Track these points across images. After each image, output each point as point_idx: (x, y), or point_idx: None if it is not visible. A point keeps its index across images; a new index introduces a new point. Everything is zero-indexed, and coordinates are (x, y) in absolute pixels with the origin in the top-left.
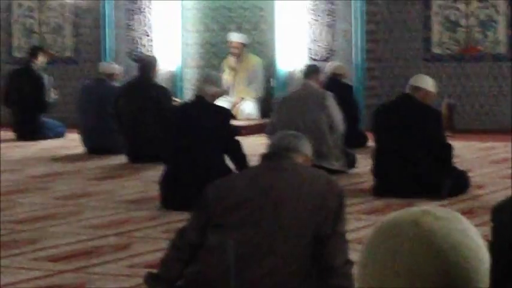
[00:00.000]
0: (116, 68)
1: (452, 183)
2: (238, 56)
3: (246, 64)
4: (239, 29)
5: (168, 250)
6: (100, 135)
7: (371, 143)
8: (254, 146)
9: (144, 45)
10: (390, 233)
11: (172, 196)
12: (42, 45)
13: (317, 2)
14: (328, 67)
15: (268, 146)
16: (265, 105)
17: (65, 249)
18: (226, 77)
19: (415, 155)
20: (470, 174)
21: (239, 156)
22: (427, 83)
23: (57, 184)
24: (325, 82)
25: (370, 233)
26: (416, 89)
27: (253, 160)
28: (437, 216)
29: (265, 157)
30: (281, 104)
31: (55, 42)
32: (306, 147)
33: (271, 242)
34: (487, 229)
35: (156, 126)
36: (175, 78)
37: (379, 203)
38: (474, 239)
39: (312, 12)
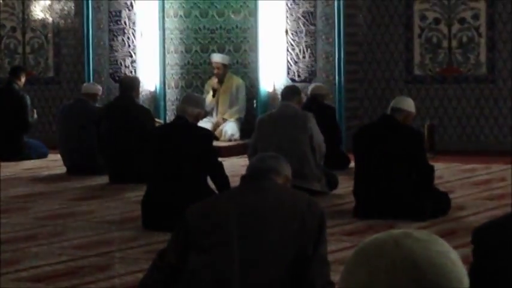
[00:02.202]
0: (98, 88)
1: (433, 205)
2: (221, 77)
3: (229, 85)
4: (221, 50)
5: (148, 271)
6: (81, 155)
7: (353, 164)
8: (236, 167)
9: (127, 66)
10: (371, 254)
11: (153, 217)
12: (25, 65)
13: (299, 23)
14: (309, 88)
15: (248, 167)
16: (248, 126)
17: (46, 270)
18: (209, 98)
19: (396, 176)
20: (451, 195)
21: (221, 178)
22: (408, 105)
23: (38, 204)
24: (306, 103)
25: (351, 254)
26: (397, 110)
27: (236, 181)
28: (418, 238)
29: (245, 179)
30: (262, 125)
31: (37, 62)
32: (285, 168)
33: (252, 263)
34: (468, 251)
35: (138, 147)
36: (157, 99)
37: (360, 224)
38: (454, 261)
39: (294, 33)
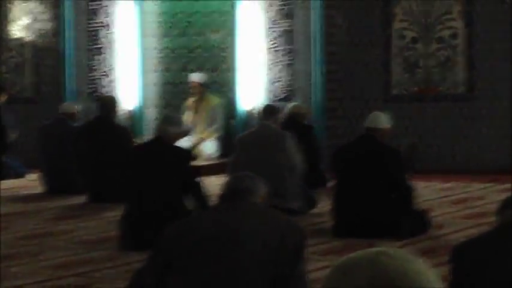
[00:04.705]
0: (77, 108)
1: (412, 224)
2: (198, 96)
3: (206, 104)
4: (200, 70)
5: None
6: (60, 175)
7: (331, 183)
8: (215, 186)
9: (105, 86)
10: (346, 273)
11: (132, 236)
12: (4, 85)
13: (277, 43)
14: (288, 107)
15: (224, 187)
16: (226, 145)
17: None
18: (187, 117)
19: (375, 195)
20: (430, 214)
21: (199, 197)
22: (383, 122)
23: (17, 224)
24: (284, 122)
25: (328, 273)
26: (374, 130)
27: (215, 200)
28: (393, 256)
29: (222, 198)
30: (240, 145)
31: (15, 82)
32: (261, 188)
33: (231, 283)
34: (447, 269)
35: (116, 167)
36: (136, 118)
37: (339, 243)
38: (429, 280)
39: (272, 52)
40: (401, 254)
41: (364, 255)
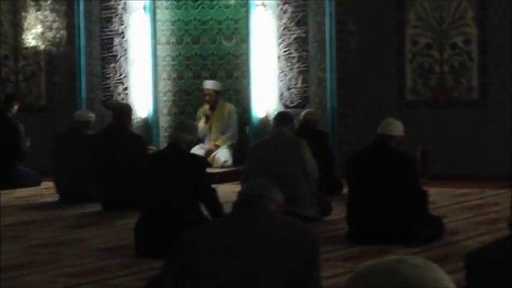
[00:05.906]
0: (91, 116)
1: (426, 230)
2: (213, 104)
3: (221, 112)
4: (213, 77)
5: None
6: (75, 183)
7: (346, 189)
8: (229, 194)
9: (119, 94)
10: (365, 280)
11: (147, 244)
12: (17, 93)
13: (291, 49)
14: (302, 114)
15: (239, 194)
16: (240, 152)
17: None
18: (201, 124)
19: (389, 201)
20: (444, 220)
21: (214, 205)
22: (398, 129)
23: (32, 232)
24: (298, 129)
25: (347, 280)
26: (387, 136)
27: (229, 208)
28: (412, 263)
29: (237, 205)
30: (254, 152)
31: (30, 90)
32: (277, 194)
33: None
34: (461, 276)
35: (131, 174)
36: (150, 125)
37: (354, 250)
38: (447, 287)
39: (286, 59)
40: (420, 262)
41: (383, 263)
